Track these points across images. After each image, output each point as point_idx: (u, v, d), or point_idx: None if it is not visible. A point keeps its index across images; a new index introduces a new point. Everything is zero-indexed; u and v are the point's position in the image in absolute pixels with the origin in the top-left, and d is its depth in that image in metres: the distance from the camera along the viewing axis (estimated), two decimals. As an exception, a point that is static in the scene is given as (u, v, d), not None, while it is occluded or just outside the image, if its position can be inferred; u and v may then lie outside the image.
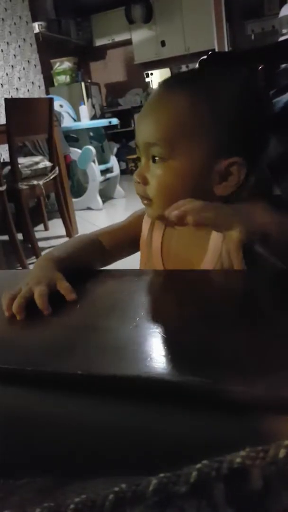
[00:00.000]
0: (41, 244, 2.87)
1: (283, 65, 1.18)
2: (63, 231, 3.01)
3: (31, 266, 2.49)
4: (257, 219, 0.47)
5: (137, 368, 0.36)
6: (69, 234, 2.97)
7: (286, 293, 0.46)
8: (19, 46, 4.46)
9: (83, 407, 0.34)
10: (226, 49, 4.21)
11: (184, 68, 6.18)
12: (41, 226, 3.42)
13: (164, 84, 0.62)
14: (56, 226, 3.28)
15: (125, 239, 0.70)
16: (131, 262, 0.72)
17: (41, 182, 2.62)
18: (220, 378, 0.34)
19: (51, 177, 2.75)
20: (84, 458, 0.31)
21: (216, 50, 4.51)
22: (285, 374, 0.33)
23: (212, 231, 0.60)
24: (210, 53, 1.13)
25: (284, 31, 3.06)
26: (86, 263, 0.63)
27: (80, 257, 0.62)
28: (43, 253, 2.64)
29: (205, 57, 1.36)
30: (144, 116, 0.60)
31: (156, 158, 0.58)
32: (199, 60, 1.39)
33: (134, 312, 0.47)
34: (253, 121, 0.58)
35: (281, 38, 2.66)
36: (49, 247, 2.91)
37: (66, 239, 2.97)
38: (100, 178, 4.10)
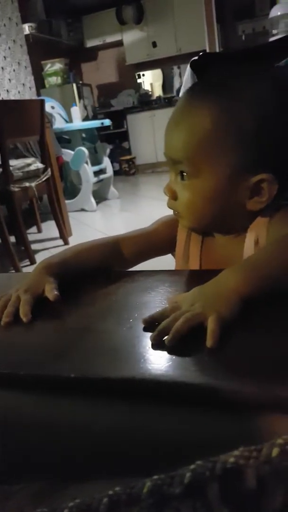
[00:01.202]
0: (34, 246, 2.86)
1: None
2: (56, 233, 3.00)
3: (24, 269, 2.49)
4: (229, 291, 0.43)
5: (131, 369, 0.36)
6: (62, 236, 2.96)
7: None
8: (9, 48, 4.44)
9: (77, 410, 0.34)
10: (218, 50, 4.22)
11: (175, 69, 6.20)
12: (34, 229, 3.41)
13: (187, 96, 0.60)
14: (50, 228, 3.27)
15: (149, 245, 0.69)
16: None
17: (33, 184, 2.61)
18: (214, 378, 0.34)
19: (44, 179, 2.74)
20: (79, 461, 0.31)
21: (207, 50, 4.52)
22: (279, 372, 0.33)
23: (245, 237, 0.60)
24: (201, 53, 1.13)
25: (274, 31, 3.08)
26: (98, 265, 0.63)
27: (84, 260, 0.62)
28: (36, 255, 2.64)
29: (196, 58, 1.36)
30: (169, 131, 0.59)
31: (184, 174, 0.58)
32: (190, 61, 1.39)
33: (129, 314, 0.48)
34: (281, 135, 0.55)
35: (272, 39, 2.68)
36: (42, 249, 2.90)
37: (60, 241, 2.96)
38: (94, 179, 4.09)
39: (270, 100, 0.55)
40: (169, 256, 0.72)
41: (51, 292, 0.53)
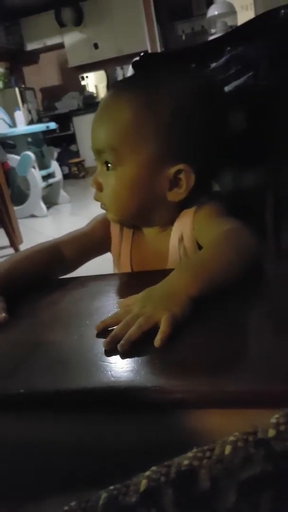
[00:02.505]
0: (-16, 256, 2.77)
1: (213, 65, 1.21)
2: (6, 242, 2.92)
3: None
4: (180, 291, 0.43)
5: (82, 380, 0.35)
6: (13, 244, 2.88)
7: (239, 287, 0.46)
8: None
9: (28, 427, 0.33)
10: (159, 50, 4.26)
11: (119, 70, 6.20)
12: (-18, 238, 3.30)
13: (111, 90, 0.62)
14: (-1, 237, 3.17)
15: (89, 245, 0.69)
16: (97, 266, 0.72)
17: (-21, 192, 2.52)
18: (165, 380, 0.34)
19: (-11, 187, 2.65)
20: (33, 479, 0.30)
21: (149, 51, 4.55)
22: (229, 369, 0.34)
23: (171, 234, 0.62)
24: (142, 54, 1.14)
25: (212, 30, 3.14)
26: (41, 272, 0.61)
27: (26, 269, 0.60)
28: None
29: (137, 58, 1.37)
30: (94, 123, 0.61)
31: (109, 165, 0.59)
32: (132, 62, 1.39)
33: (79, 321, 0.47)
34: (197, 129, 0.58)
35: (210, 38, 2.73)
36: (-7, 259, 2.80)
37: (10, 249, 2.88)
38: (42, 183, 4.02)
39: (189, 97, 0.58)
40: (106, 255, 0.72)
41: None
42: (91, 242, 0.69)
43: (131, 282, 0.59)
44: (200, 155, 0.59)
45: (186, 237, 0.60)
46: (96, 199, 0.63)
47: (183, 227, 0.61)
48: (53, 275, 0.64)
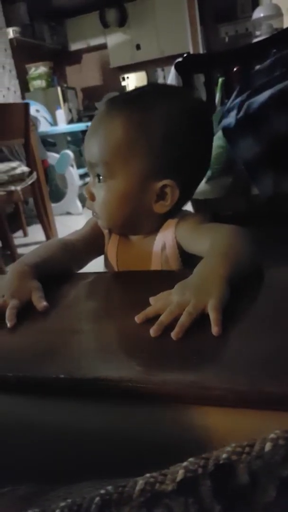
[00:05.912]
0: (20, 250, 2.83)
1: (257, 67, 1.19)
2: (42, 237, 2.98)
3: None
4: (213, 274, 0.46)
5: (119, 369, 0.35)
6: (49, 239, 2.94)
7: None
8: (-7, 52, 4.41)
9: (67, 411, 0.33)
10: (201, 52, 4.24)
11: (159, 72, 6.22)
12: (20, 233, 3.38)
13: (106, 107, 0.65)
14: (36, 232, 3.24)
15: (91, 244, 0.73)
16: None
17: (18, 188, 2.58)
18: (201, 377, 0.34)
19: (29, 182, 2.71)
20: (68, 463, 0.31)
21: (191, 53, 4.54)
22: (268, 368, 0.33)
23: (154, 239, 0.66)
24: (185, 55, 1.14)
25: (257, 33, 3.10)
26: (62, 267, 0.64)
27: (55, 261, 0.64)
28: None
29: (180, 59, 1.37)
30: (88, 136, 0.64)
31: (100, 177, 0.63)
32: (174, 63, 1.40)
33: (115, 313, 0.47)
34: (185, 149, 0.62)
35: (255, 40, 2.70)
36: (29, 253, 2.86)
37: (46, 244, 2.93)
38: (79, 182, 4.07)
39: (177, 118, 0.62)
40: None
41: (39, 301, 0.52)
42: (93, 242, 0.73)
43: (166, 278, 0.59)
44: (185, 172, 0.63)
45: (168, 246, 0.65)
46: (88, 207, 0.67)
47: (166, 237, 0.65)
48: (69, 270, 0.66)
